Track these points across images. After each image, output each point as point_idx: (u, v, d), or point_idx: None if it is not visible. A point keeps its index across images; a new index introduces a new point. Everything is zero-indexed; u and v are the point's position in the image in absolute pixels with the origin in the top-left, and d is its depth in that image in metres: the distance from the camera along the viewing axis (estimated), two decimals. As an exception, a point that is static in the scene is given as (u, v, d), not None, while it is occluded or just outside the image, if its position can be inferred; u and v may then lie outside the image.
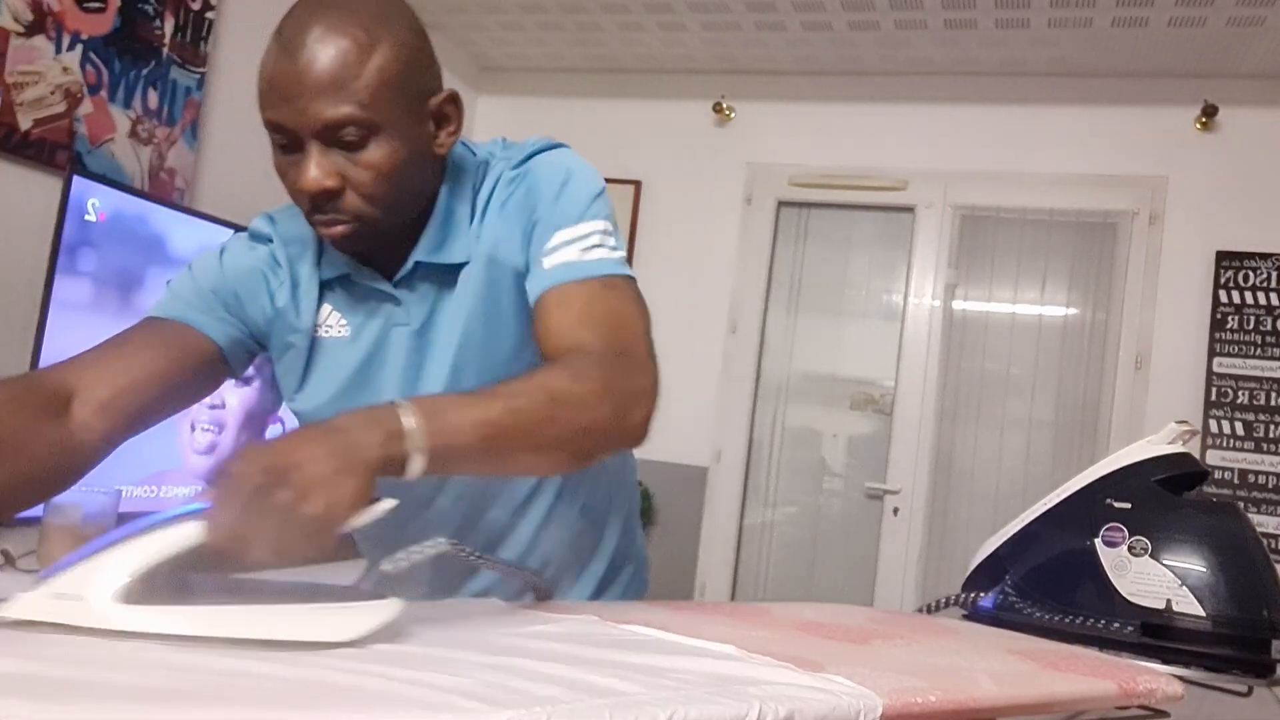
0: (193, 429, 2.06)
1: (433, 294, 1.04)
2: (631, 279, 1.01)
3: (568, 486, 1.14)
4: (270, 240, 1.07)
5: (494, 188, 1.04)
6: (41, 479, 0.95)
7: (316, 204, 0.93)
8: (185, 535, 0.68)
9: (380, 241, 0.99)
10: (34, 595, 0.66)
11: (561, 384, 0.87)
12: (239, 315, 1.05)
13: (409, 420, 0.75)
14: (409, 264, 1.02)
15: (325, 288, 1.05)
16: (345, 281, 1.04)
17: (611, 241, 1.01)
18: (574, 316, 0.96)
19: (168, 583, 0.69)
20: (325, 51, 0.89)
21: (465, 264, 1.03)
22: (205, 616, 0.67)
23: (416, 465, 0.75)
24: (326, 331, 1.05)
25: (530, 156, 1.05)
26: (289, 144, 0.92)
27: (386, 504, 0.74)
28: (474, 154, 1.07)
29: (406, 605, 0.74)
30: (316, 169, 0.90)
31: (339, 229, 0.94)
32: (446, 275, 1.03)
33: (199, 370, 1.03)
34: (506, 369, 1.02)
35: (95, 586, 0.66)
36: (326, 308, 1.05)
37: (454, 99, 1.00)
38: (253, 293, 1.05)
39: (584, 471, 1.14)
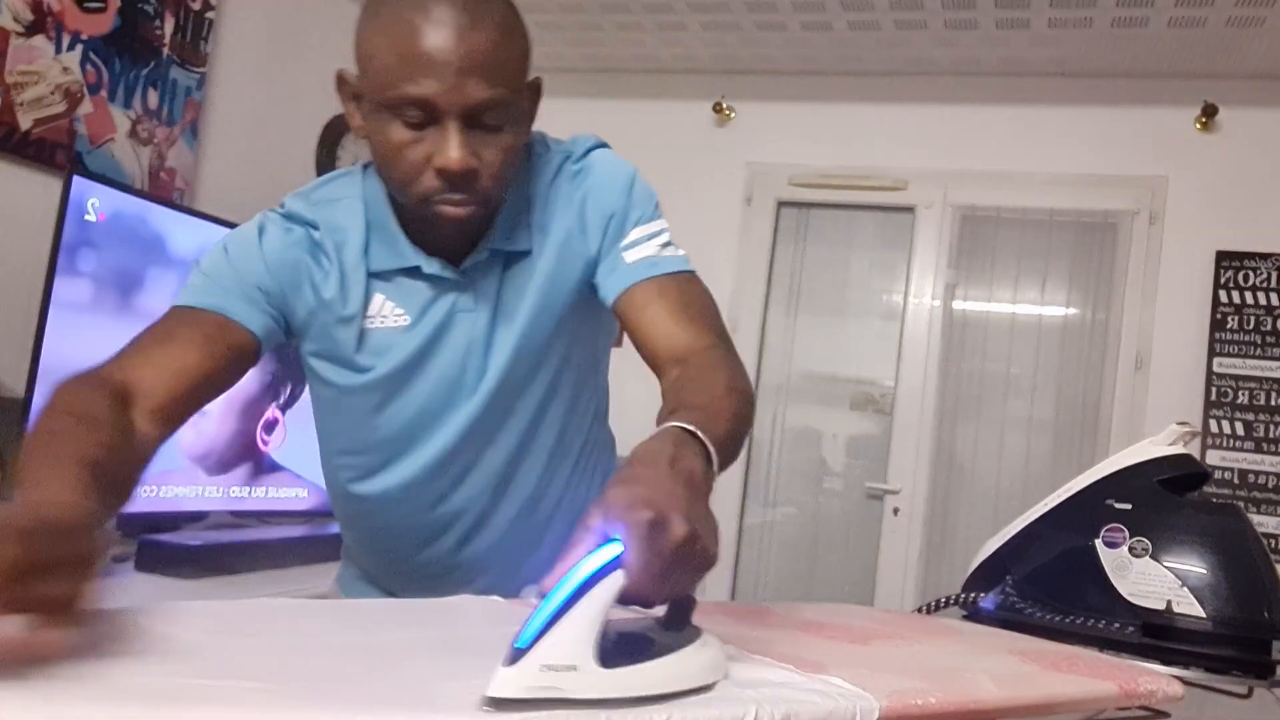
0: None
1: (497, 280, 1.04)
2: (698, 275, 1.05)
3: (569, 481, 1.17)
4: (313, 226, 1.03)
5: (552, 178, 1.07)
6: (134, 471, 0.88)
7: (453, 183, 0.91)
8: (615, 589, 0.63)
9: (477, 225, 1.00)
10: (518, 671, 0.59)
11: (738, 385, 0.91)
12: (279, 306, 1.02)
13: (707, 442, 0.76)
14: (483, 252, 1.02)
15: (377, 278, 1.03)
16: (404, 271, 1.03)
17: (675, 243, 1.06)
18: (678, 310, 0.99)
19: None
20: (481, 31, 0.88)
21: (529, 251, 1.05)
22: (645, 676, 0.63)
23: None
24: (381, 322, 1.03)
25: (589, 152, 1.08)
26: (420, 121, 0.90)
27: None
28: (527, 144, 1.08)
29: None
30: (463, 148, 0.90)
31: (466, 210, 0.94)
32: (511, 262, 1.05)
33: (237, 364, 1.00)
34: (562, 353, 1.07)
35: (579, 655, 0.60)
36: (379, 298, 1.03)
37: (540, 85, 1.01)
38: (295, 284, 1.02)
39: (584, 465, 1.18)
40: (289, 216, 1.04)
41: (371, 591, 1.21)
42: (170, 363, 0.93)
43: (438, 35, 0.88)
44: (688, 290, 1.02)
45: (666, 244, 1.05)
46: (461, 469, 1.10)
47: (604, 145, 1.10)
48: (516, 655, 0.59)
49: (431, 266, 1.02)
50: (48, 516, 0.61)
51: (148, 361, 0.93)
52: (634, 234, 1.04)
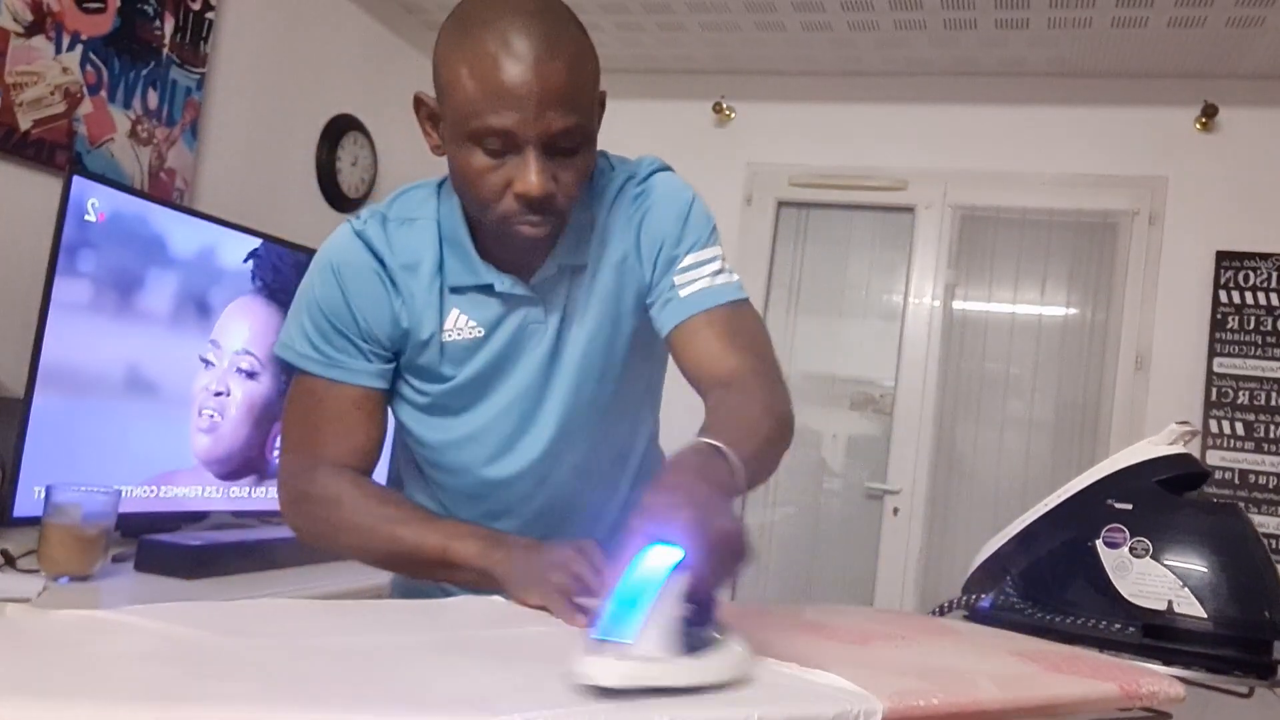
0: (199, 413, 2.07)
1: (564, 295, 1.10)
2: (749, 301, 1.10)
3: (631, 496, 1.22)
4: (381, 260, 1.08)
5: (614, 197, 1.12)
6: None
7: (533, 207, 0.96)
8: (682, 584, 0.69)
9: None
10: (610, 660, 0.65)
11: (776, 406, 0.98)
12: (380, 342, 1.10)
13: (736, 464, 0.81)
14: (550, 267, 1.08)
15: (453, 293, 1.09)
16: (484, 289, 1.08)
17: (729, 266, 1.10)
18: (725, 339, 1.04)
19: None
20: (558, 65, 0.93)
21: (587, 265, 1.10)
22: (721, 662, 0.70)
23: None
24: (456, 335, 1.09)
25: (651, 174, 1.13)
26: (500, 149, 0.95)
27: None
28: None
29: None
30: (542, 175, 0.95)
31: (544, 229, 0.99)
32: (576, 277, 1.10)
33: (385, 411, 1.14)
34: (621, 366, 1.13)
35: (668, 647, 0.66)
36: (455, 312, 1.09)
37: (604, 100, 1.06)
38: (380, 321, 1.09)
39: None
40: (360, 235, 1.09)
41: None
42: (353, 441, 1.10)
43: (517, 69, 0.92)
44: (736, 318, 1.07)
45: (719, 271, 1.08)
46: (538, 477, 1.14)
47: (667, 169, 1.15)
48: (616, 648, 0.65)
49: (504, 284, 1.07)
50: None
51: (341, 446, 1.10)
52: (688, 261, 1.08)
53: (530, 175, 0.94)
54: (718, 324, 1.05)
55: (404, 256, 1.08)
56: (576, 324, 1.10)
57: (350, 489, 1.08)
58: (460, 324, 1.09)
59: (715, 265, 1.09)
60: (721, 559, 0.71)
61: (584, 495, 1.17)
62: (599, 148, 1.07)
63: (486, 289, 1.08)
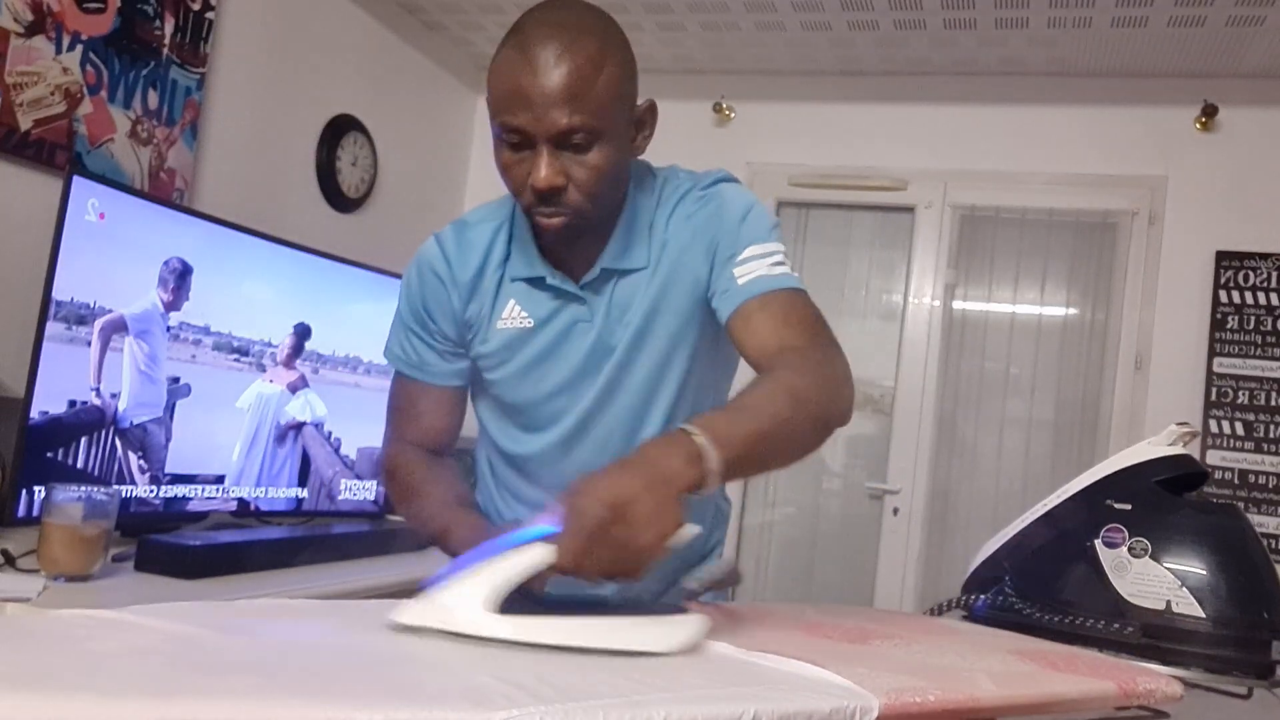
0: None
1: (610, 294, 1.17)
2: (807, 294, 1.14)
3: None
4: (447, 259, 1.21)
5: (677, 202, 1.18)
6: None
7: (543, 198, 1.05)
8: (540, 557, 0.78)
9: (584, 235, 1.12)
10: (419, 605, 0.77)
11: (797, 384, 0.98)
12: (448, 340, 1.23)
13: (703, 445, 0.84)
14: (596, 270, 1.16)
15: (512, 284, 1.19)
16: (535, 281, 1.18)
17: (789, 264, 1.15)
18: (779, 320, 1.08)
19: (517, 595, 0.79)
20: (565, 67, 1.01)
21: (644, 268, 1.16)
22: (560, 628, 0.77)
23: (711, 483, 0.84)
24: (509, 323, 1.19)
25: (716, 182, 1.20)
26: (519, 144, 1.04)
27: (692, 529, 0.82)
28: (653, 172, 1.23)
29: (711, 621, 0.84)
30: (548, 169, 1.03)
31: (558, 220, 1.07)
32: (623, 277, 1.17)
33: (462, 403, 1.29)
34: (683, 366, 1.19)
35: (470, 599, 0.75)
36: (511, 302, 1.19)
37: (652, 107, 1.14)
38: (445, 316, 1.22)
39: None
40: (438, 240, 1.23)
41: None
42: (432, 429, 1.27)
43: (529, 71, 1.01)
44: (791, 302, 1.11)
45: (778, 263, 1.13)
46: (560, 455, 1.23)
47: (733, 180, 1.22)
48: (428, 594, 0.77)
49: (554, 279, 1.16)
50: None
51: (421, 432, 1.27)
52: (748, 252, 1.13)
53: (538, 169, 1.03)
54: (772, 306, 1.09)
55: (470, 253, 1.20)
56: (624, 325, 1.16)
57: (414, 469, 1.24)
58: (514, 313, 1.19)
59: (775, 258, 1.13)
60: (587, 540, 0.77)
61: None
62: (671, 162, 1.21)
63: (539, 281, 1.17)
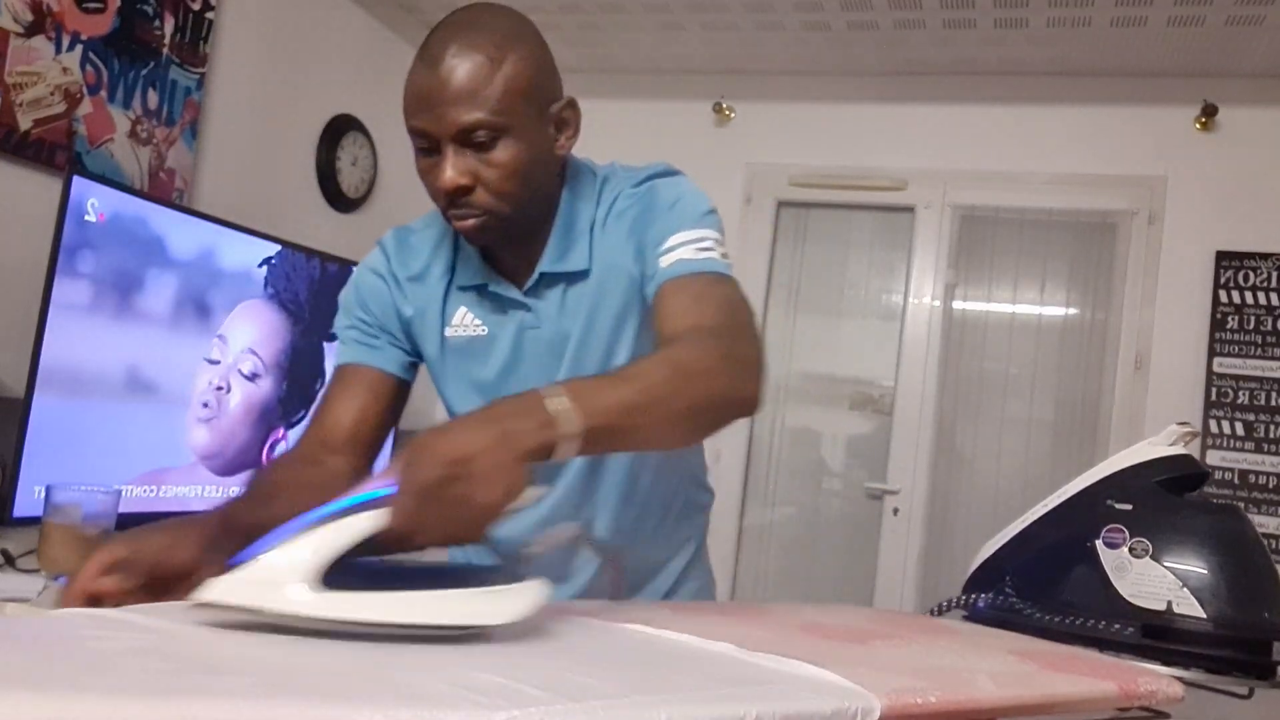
0: (199, 405, 2.07)
1: (559, 299, 1.14)
2: (737, 281, 1.09)
3: (651, 490, 1.24)
4: (388, 257, 1.20)
5: (613, 201, 1.15)
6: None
7: (452, 199, 1.03)
8: (370, 521, 0.69)
9: (513, 238, 1.10)
10: (229, 580, 0.67)
11: (685, 358, 0.93)
12: (392, 331, 1.19)
13: (558, 406, 0.80)
14: (535, 275, 1.13)
15: (460, 292, 1.17)
16: (479, 289, 1.16)
17: (722, 250, 1.10)
18: (690, 300, 1.04)
19: (344, 566, 0.70)
20: (460, 65, 1.00)
21: (587, 270, 1.13)
22: (384, 603, 0.68)
23: (567, 449, 0.80)
24: (461, 331, 1.17)
25: (649, 178, 1.16)
26: (429, 148, 1.03)
27: (537, 491, 0.78)
28: (594, 172, 1.19)
29: (550, 588, 0.78)
30: (452, 169, 1.01)
31: (471, 222, 1.05)
32: (570, 281, 1.14)
33: (392, 397, 1.20)
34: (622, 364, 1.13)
35: (288, 573, 0.66)
36: (462, 309, 1.17)
37: (572, 105, 1.11)
38: (385, 312, 1.19)
39: (666, 481, 1.26)
40: (380, 244, 1.22)
41: None
42: (344, 414, 1.16)
43: (428, 73, 1.01)
44: (709, 286, 1.06)
45: (706, 249, 1.08)
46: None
47: (671, 173, 1.18)
48: (231, 568, 0.67)
49: (497, 286, 1.14)
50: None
51: (330, 416, 1.16)
52: (673, 240, 1.09)
53: (442, 169, 1.02)
54: (691, 288, 1.05)
55: (410, 256, 1.19)
56: (569, 331, 1.14)
57: (271, 468, 1.18)
58: (465, 320, 1.17)
59: (704, 243, 1.09)
60: (420, 499, 0.72)
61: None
62: (606, 158, 1.15)
63: (483, 289, 1.15)
